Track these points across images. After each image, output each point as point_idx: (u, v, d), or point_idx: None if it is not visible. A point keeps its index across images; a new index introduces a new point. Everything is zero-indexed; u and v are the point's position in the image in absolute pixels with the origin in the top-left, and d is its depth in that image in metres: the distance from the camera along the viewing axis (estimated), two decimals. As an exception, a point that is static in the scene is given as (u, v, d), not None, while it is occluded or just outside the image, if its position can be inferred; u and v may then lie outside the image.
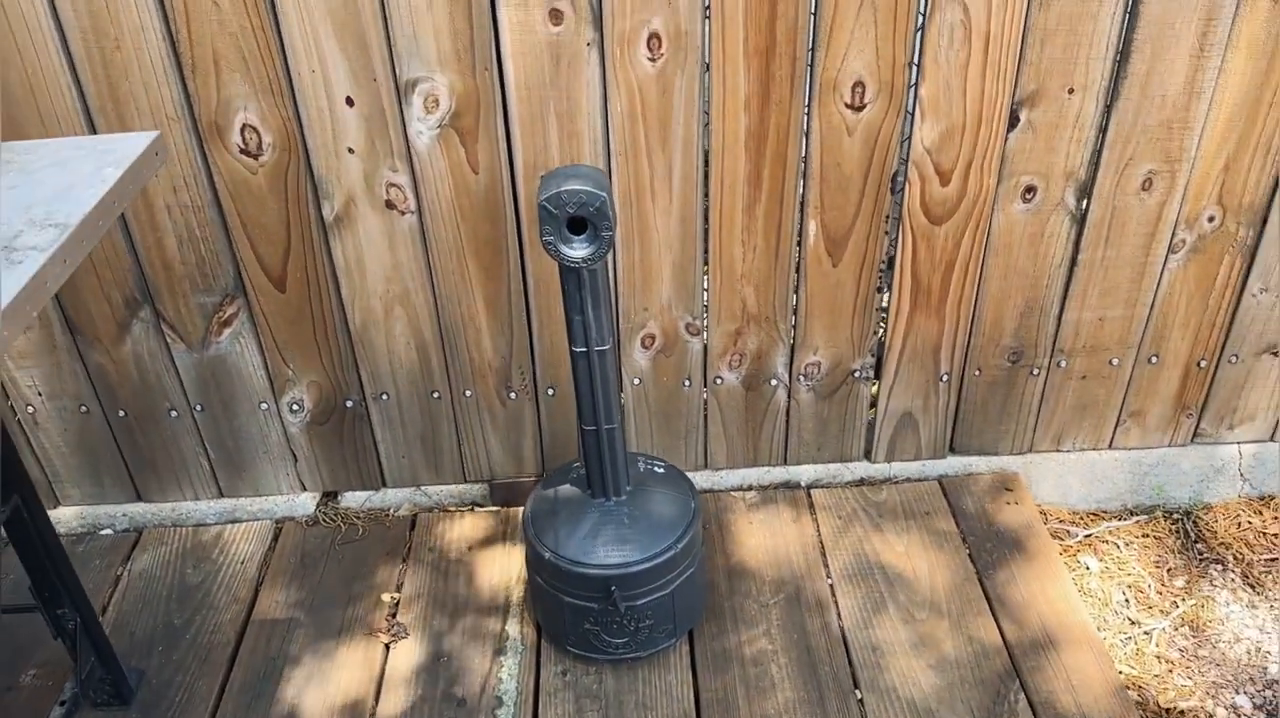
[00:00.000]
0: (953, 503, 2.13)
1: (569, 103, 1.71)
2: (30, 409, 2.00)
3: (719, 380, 2.05)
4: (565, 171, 1.51)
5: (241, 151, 1.73)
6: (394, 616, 1.93)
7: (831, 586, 1.96)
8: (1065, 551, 2.12)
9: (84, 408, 2.00)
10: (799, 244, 1.89)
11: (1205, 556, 2.12)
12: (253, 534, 2.12)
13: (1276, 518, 2.19)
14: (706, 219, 1.85)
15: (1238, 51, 1.71)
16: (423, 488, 2.17)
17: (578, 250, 1.50)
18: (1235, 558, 2.11)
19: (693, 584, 1.80)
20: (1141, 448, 2.19)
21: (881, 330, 2.02)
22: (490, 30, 1.64)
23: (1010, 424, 2.14)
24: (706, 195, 1.83)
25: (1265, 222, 1.90)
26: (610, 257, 1.87)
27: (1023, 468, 2.20)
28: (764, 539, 2.06)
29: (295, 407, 2.03)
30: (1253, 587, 2.06)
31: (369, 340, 1.95)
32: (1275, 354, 2.06)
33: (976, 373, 2.06)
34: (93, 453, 2.06)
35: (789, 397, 2.08)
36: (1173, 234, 1.90)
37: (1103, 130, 1.79)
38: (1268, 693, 1.87)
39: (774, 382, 2.06)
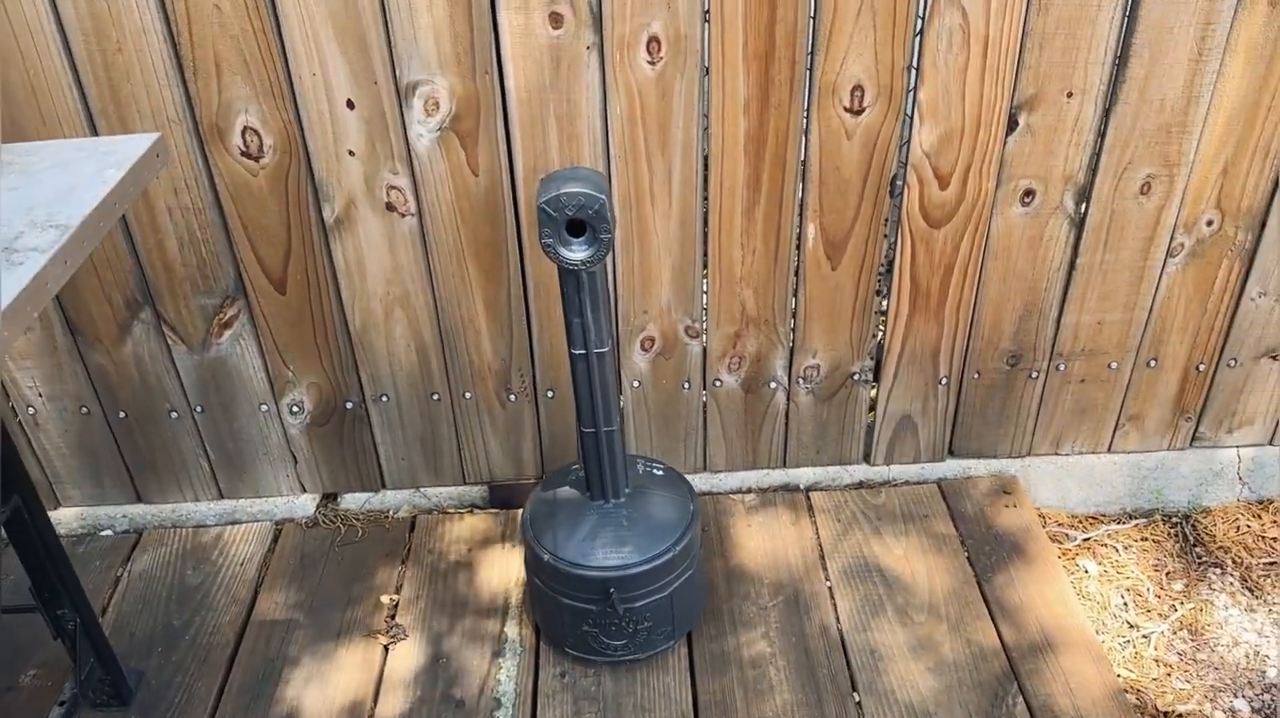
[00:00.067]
0: (951, 506, 2.13)
1: (569, 106, 1.72)
2: (31, 410, 2.00)
3: (718, 383, 2.05)
4: (564, 174, 1.52)
5: (242, 154, 1.74)
6: (393, 617, 1.93)
7: (830, 588, 1.96)
8: (1064, 554, 2.12)
9: (84, 409, 2.00)
10: (798, 247, 1.90)
11: (1204, 559, 2.12)
12: (252, 536, 2.12)
13: (1275, 522, 2.19)
14: (706, 222, 1.86)
15: (1236, 56, 1.72)
16: (422, 490, 2.18)
17: (577, 253, 1.51)
18: (1234, 562, 2.11)
19: (691, 587, 1.80)
20: (1140, 451, 2.19)
21: (880, 333, 2.02)
22: (490, 33, 1.65)
23: (1009, 427, 2.14)
24: (706, 198, 1.83)
25: (1264, 225, 1.90)
26: (610, 259, 1.87)
27: (1021, 471, 2.20)
28: (763, 542, 2.06)
29: (295, 408, 2.03)
30: (1251, 591, 2.06)
31: (369, 342, 1.95)
32: (1274, 358, 2.06)
33: (975, 376, 2.07)
34: (93, 454, 2.07)
35: (788, 399, 2.08)
36: (1171, 238, 1.91)
37: (1101, 134, 1.79)
38: (1266, 697, 1.87)
39: (773, 384, 2.06)
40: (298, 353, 1.96)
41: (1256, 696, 1.87)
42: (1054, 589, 1.95)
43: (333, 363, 1.98)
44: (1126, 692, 1.82)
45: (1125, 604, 2.03)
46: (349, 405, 2.04)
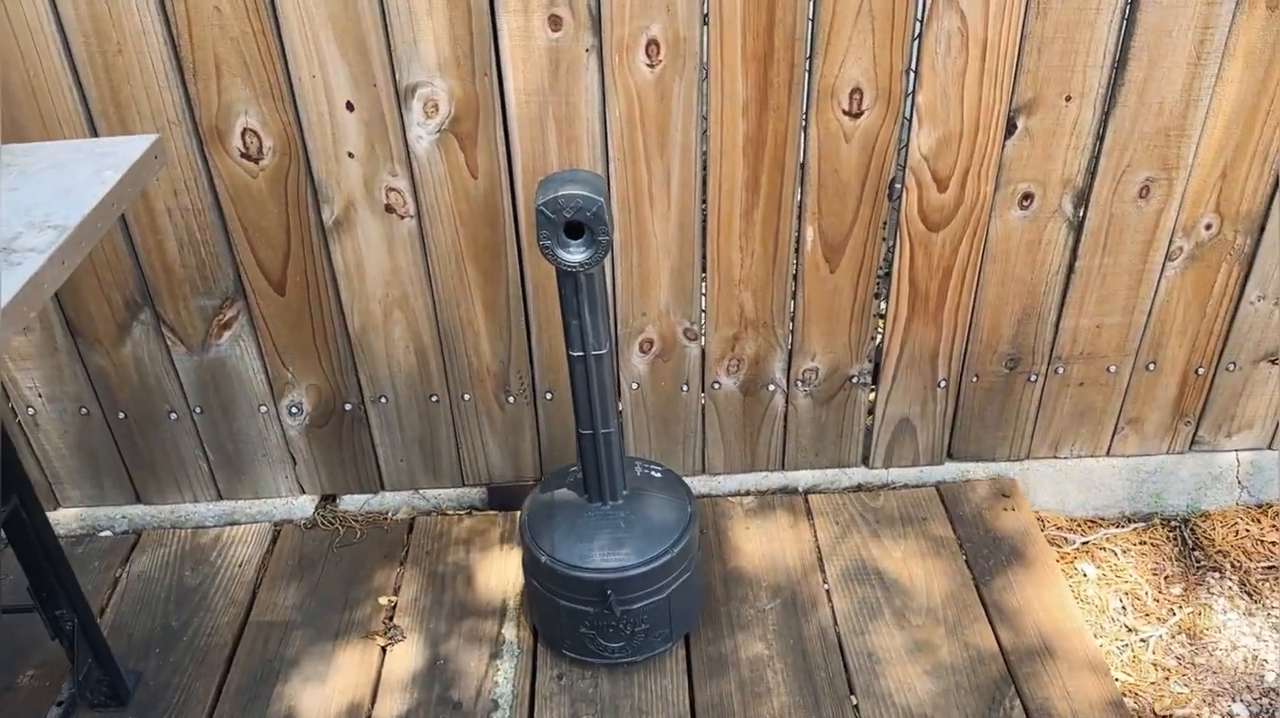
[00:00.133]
0: (950, 509, 2.13)
1: (568, 108, 1.72)
2: (30, 411, 2.01)
3: (717, 385, 2.05)
4: (563, 176, 1.52)
5: (242, 155, 1.74)
6: (391, 619, 1.94)
7: (828, 591, 1.96)
8: (1062, 557, 2.12)
9: (84, 410, 2.01)
10: (797, 250, 1.90)
11: (1203, 563, 2.12)
12: (251, 537, 2.12)
13: (1274, 526, 2.18)
14: (704, 224, 1.86)
15: (1235, 60, 1.72)
16: (421, 491, 2.18)
17: (575, 255, 1.51)
18: (1233, 566, 2.11)
19: (689, 589, 1.80)
20: (1139, 455, 2.19)
21: (879, 336, 2.02)
22: (490, 36, 1.65)
23: (1008, 431, 2.14)
24: (704, 201, 1.83)
25: (1263, 229, 1.90)
26: (608, 261, 1.87)
27: (1020, 475, 2.20)
28: (761, 544, 2.06)
29: (294, 410, 2.04)
30: (1250, 595, 2.06)
31: (368, 344, 1.96)
32: (1273, 362, 2.06)
33: (974, 379, 2.07)
34: (92, 455, 2.07)
35: (787, 402, 2.08)
36: (1170, 242, 1.91)
37: (1100, 138, 1.79)
38: (1264, 701, 1.86)
39: (772, 387, 2.06)
40: (297, 354, 1.97)
41: (1255, 699, 1.87)
42: (1052, 593, 1.95)
43: (332, 364, 1.98)
44: (1124, 696, 1.82)
45: (1124, 608, 2.03)
46: (348, 407, 2.04)
